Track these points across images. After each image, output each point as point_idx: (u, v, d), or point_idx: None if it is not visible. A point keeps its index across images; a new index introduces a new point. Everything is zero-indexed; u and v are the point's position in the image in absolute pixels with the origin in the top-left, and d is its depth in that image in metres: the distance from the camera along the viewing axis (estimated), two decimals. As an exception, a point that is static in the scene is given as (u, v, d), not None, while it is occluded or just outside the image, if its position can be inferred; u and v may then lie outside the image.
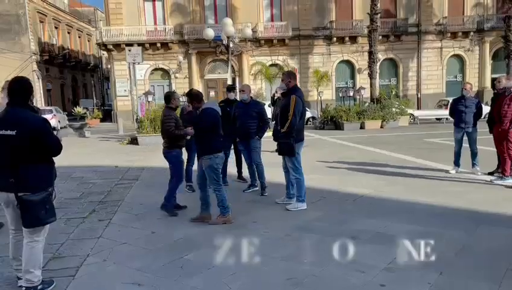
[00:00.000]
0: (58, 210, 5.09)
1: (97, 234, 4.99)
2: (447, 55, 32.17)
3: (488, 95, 8.05)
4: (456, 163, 7.92)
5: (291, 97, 5.57)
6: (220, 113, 5.36)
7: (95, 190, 7.50)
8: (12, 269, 3.65)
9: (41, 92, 34.37)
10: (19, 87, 3.38)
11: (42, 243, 3.50)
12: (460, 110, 7.80)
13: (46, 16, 37.84)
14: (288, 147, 5.64)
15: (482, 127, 7.62)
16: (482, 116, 7.84)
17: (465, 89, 7.90)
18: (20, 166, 3.29)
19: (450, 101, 8.86)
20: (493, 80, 7.40)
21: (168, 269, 3.92)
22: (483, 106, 8.12)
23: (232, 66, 22.70)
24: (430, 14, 31.44)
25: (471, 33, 31.49)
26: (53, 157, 3.51)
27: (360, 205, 5.97)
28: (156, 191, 7.26)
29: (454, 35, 31.57)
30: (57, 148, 3.44)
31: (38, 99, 32.18)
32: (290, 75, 5.80)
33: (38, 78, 33.66)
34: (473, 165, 7.76)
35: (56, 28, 39.80)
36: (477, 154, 7.75)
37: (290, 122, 5.53)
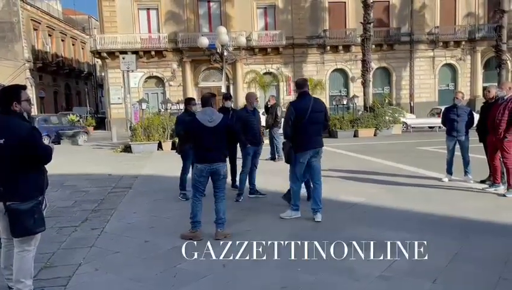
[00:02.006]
0: (50, 219, 5.06)
1: (90, 243, 4.95)
2: (439, 64, 32.52)
3: (480, 103, 8.12)
4: (449, 171, 7.97)
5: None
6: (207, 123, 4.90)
7: (88, 198, 7.45)
8: (3, 279, 3.61)
9: (34, 99, 34.17)
10: (1, 95, 3.37)
11: (33, 252, 3.46)
12: (452, 118, 7.86)
13: (39, 23, 37.78)
14: (285, 153, 5.68)
15: (474, 135, 7.69)
16: (474, 125, 7.90)
17: (457, 98, 7.97)
18: (9, 174, 3.25)
19: (442, 109, 8.93)
20: (485, 89, 7.52)
21: (161, 278, 3.89)
22: (474, 114, 8.19)
23: (226, 74, 22.76)
24: (422, 23, 31.82)
25: (463, 42, 31.92)
26: (45, 166, 3.48)
27: (354, 213, 5.98)
28: (149, 199, 7.24)
29: (446, 45, 31.95)
30: (45, 156, 3.38)
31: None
32: (295, 85, 5.88)
33: (31, 86, 33.50)
34: (465, 173, 7.82)
35: (50, 35, 39.72)
36: (470, 162, 7.81)
37: (284, 130, 5.61)
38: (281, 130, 10.87)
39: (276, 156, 11.34)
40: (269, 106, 11.99)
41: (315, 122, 5.48)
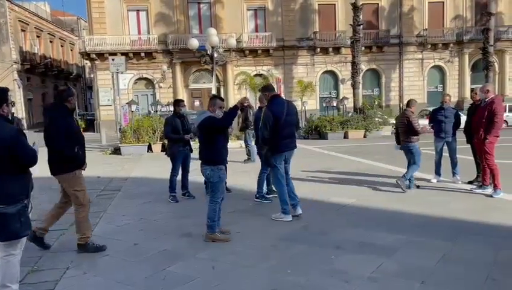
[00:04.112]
0: (38, 222, 4.99)
1: (78, 246, 4.89)
2: (428, 66, 32.87)
3: (468, 105, 8.29)
4: (437, 172, 8.04)
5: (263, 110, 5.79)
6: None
7: (77, 201, 7.35)
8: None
9: (22, 101, 33.80)
10: None
11: (19, 256, 3.41)
12: (440, 120, 7.94)
13: (27, 24, 37.41)
14: (264, 157, 5.79)
15: (462, 137, 7.77)
16: (461, 126, 7.99)
17: (445, 101, 8.05)
18: None
19: (430, 111, 9.03)
20: (472, 91, 7.73)
21: (150, 282, 3.86)
22: (461, 114, 8.28)
23: (216, 75, 22.74)
24: (411, 26, 32.14)
25: (451, 45, 32.30)
26: (31, 168, 3.43)
27: (344, 215, 6.00)
28: (138, 201, 7.19)
29: (434, 47, 32.31)
30: (30, 159, 3.35)
31: (19, 109, 31.65)
32: (264, 89, 6.05)
33: (19, 88, 33.13)
34: (453, 174, 7.89)
35: (38, 36, 39.35)
36: (458, 163, 7.89)
37: (261, 134, 5.69)
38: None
39: (247, 158, 11.28)
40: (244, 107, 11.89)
41: (290, 124, 5.70)
